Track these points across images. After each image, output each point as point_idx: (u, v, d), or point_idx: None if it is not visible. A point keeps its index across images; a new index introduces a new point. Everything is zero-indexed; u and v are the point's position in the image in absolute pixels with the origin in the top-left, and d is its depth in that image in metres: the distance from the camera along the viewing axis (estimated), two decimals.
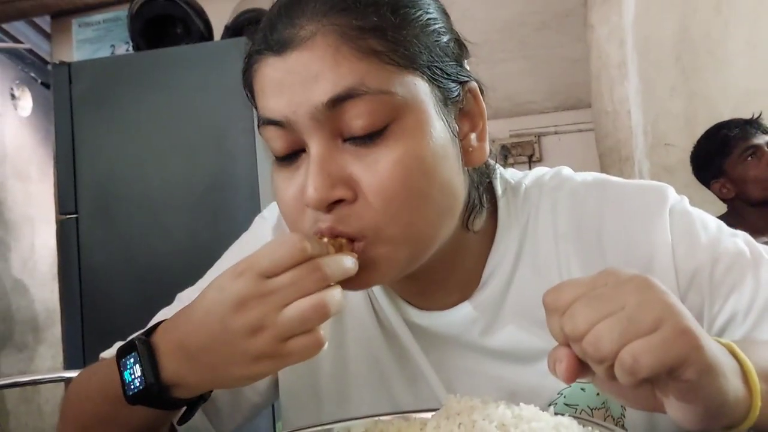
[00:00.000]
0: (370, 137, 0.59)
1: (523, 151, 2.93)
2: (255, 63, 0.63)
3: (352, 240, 0.60)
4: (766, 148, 2.04)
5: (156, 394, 0.59)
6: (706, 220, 0.70)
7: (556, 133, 2.96)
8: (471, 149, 0.66)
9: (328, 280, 0.54)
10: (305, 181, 0.59)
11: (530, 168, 0.83)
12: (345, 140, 0.60)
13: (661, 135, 2.43)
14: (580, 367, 0.50)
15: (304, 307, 0.53)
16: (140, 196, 2.47)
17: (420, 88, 0.61)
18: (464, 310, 0.72)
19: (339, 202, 0.59)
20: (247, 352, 0.55)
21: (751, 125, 2.08)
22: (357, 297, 0.77)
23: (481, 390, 0.70)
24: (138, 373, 0.59)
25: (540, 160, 2.94)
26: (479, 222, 0.71)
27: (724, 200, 2.12)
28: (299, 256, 0.54)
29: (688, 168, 2.21)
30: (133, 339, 0.62)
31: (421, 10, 0.62)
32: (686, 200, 0.72)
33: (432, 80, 0.62)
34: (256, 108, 0.66)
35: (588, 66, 2.61)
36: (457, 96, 0.65)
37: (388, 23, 0.59)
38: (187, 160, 2.45)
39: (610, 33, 2.48)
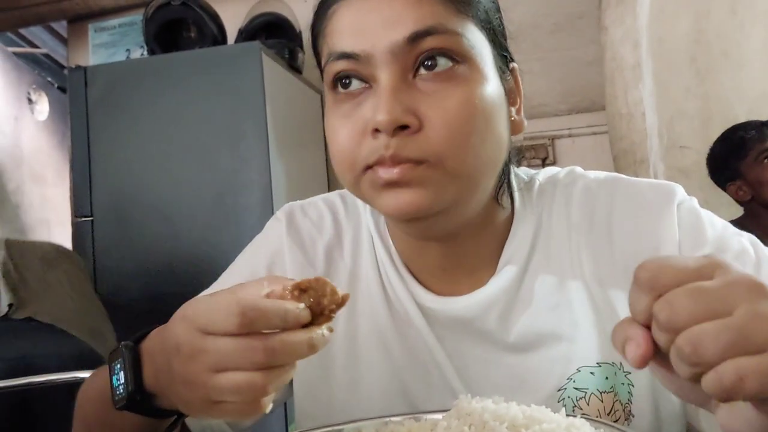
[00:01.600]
0: (440, 75, 0.63)
1: (537, 154, 2.92)
2: (333, 4, 0.67)
3: (417, 162, 0.62)
4: None
5: (138, 401, 0.59)
6: (713, 219, 0.72)
7: (570, 135, 2.95)
8: (513, 119, 0.72)
9: (268, 362, 0.49)
10: (370, 110, 0.63)
11: None
12: (414, 77, 0.64)
13: (676, 137, 2.42)
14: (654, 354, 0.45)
15: (237, 381, 0.49)
16: (154, 199, 2.49)
17: (484, 44, 0.67)
18: (481, 295, 0.73)
19: (404, 129, 0.62)
20: (183, 397, 0.53)
21: (767, 127, 2.07)
22: (370, 283, 0.79)
23: (494, 377, 0.72)
24: (122, 379, 0.59)
25: (554, 163, 2.93)
26: (506, 200, 0.75)
27: (740, 203, 2.10)
28: (234, 324, 0.48)
29: (704, 170, 2.19)
30: (120, 344, 0.61)
31: None
32: (695, 200, 0.74)
33: (492, 43, 0.69)
34: (319, 57, 0.72)
35: (602, 68, 2.60)
36: (506, 67, 0.72)
37: None
38: (200, 163, 2.46)
39: (625, 35, 2.47)
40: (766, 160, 2.02)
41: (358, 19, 0.65)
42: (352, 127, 0.65)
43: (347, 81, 0.66)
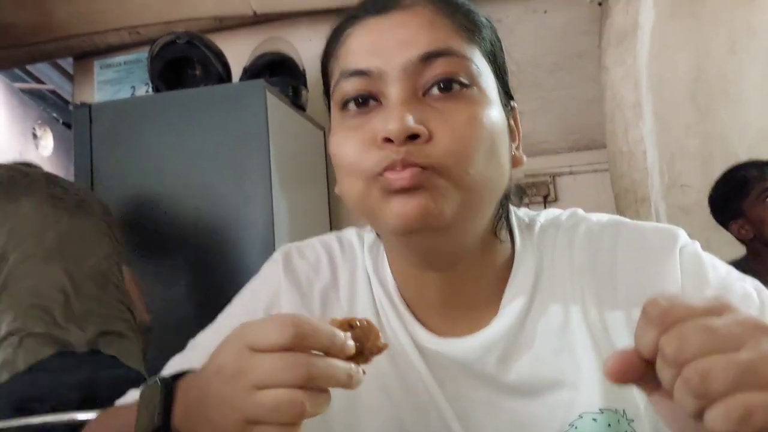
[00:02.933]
0: (449, 95, 0.66)
1: (539, 191, 2.92)
2: (348, 28, 0.70)
3: (422, 167, 0.63)
4: None
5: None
6: (715, 263, 0.72)
7: (571, 173, 2.96)
8: (513, 153, 0.74)
9: (309, 381, 0.50)
10: (381, 122, 0.64)
11: (546, 208, 0.85)
12: (424, 95, 0.66)
13: (676, 175, 2.42)
14: (638, 372, 0.45)
15: (279, 398, 0.49)
16: (156, 235, 2.49)
17: (489, 74, 0.70)
18: (482, 337, 0.73)
19: (413, 139, 0.63)
20: (216, 424, 0.53)
21: None
22: None
23: (494, 422, 0.71)
24: (150, 410, 0.59)
25: (556, 200, 2.93)
26: (504, 235, 0.76)
27: (742, 241, 2.10)
28: (289, 335, 0.50)
29: (705, 208, 2.19)
30: (158, 377, 0.62)
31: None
32: (697, 244, 0.74)
33: (496, 76, 0.71)
34: (328, 81, 0.74)
35: (602, 106, 2.62)
36: (508, 104, 0.74)
37: (473, 14, 0.71)
38: (203, 199, 2.47)
39: (625, 74, 2.50)
40: (767, 200, 2.02)
41: (372, 40, 0.68)
42: (360, 139, 0.66)
43: (359, 100, 0.68)
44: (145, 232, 2.50)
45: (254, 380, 0.50)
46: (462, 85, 0.66)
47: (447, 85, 0.66)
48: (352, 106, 0.68)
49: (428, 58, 0.65)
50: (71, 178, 2.59)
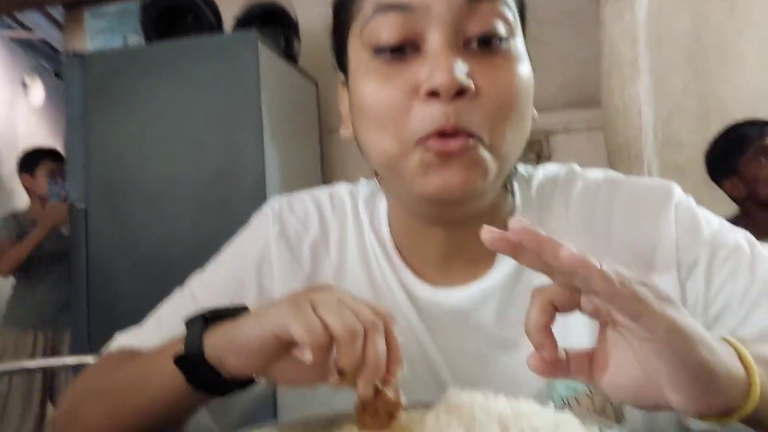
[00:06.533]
0: (490, 49, 0.61)
1: (531, 149, 2.91)
2: None
3: (469, 135, 0.60)
4: None
5: (194, 357, 0.61)
6: (709, 217, 0.73)
7: (565, 130, 2.95)
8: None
9: (357, 338, 0.53)
10: (425, 71, 0.59)
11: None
12: (465, 46, 0.61)
13: (672, 133, 2.42)
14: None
15: (328, 317, 0.53)
16: (148, 186, 2.49)
17: (518, 23, 0.66)
18: (479, 287, 0.73)
19: (461, 94, 0.59)
20: (251, 332, 0.56)
21: None
22: (356, 278, 0.78)
23: (484, 374, 0.72)
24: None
25: (549, 158, 2.92)
26: (511, 189, 0.75)
27: (735, 200, 2.11)
28: (371, 313, 0.55)
29: (699, 167, 2.20)
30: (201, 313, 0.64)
31: None
32: (692, 199, 0.74)
33: (522, 26, 0.68)
34: (342, 22, 0.68)
35: (599, 63, 2.59)
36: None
37: None
38: (195, 151, 2.46)
39: (623, 31, 2.47)
40: (763, 159, 2.03)
41: None
42: (397, 92, 0.61)
43: (392, 45, 0.62)
44: (137, 183, 2.49)
45: (314, 298, 0.54)
46: (502, 39, 0.62)
47: (489, 38, 0.61)
48: (382, 50, 0.62)
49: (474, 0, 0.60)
50: (63, 129, 2.56)
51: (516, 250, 0.47)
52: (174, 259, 2.35)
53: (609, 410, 0.70)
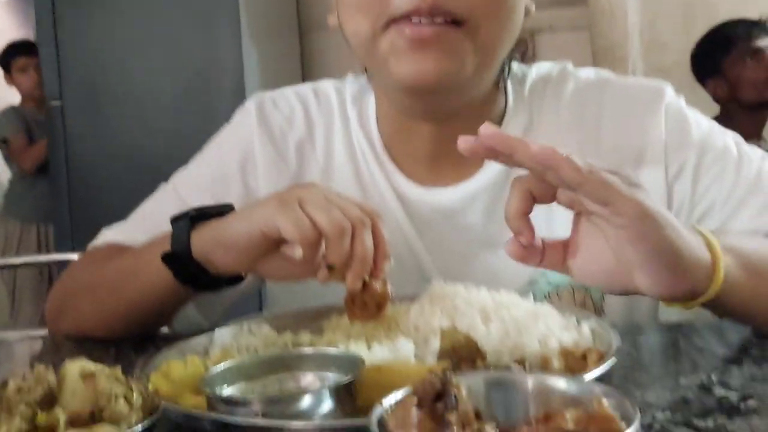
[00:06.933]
0: None
1: (517, 48, 2.86)
2: None
3: (454, 22, 0.59)
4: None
5: (181, 255, 0.62)
6: (699, 119, 0.73)
7: (550, 28, 2.89)
8: (526, 3, 0.70)
9: (345, 232, 0.55)
10: None
11: None
12: None
13: (657, 35, 2.38)
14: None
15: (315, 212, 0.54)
16: (125, 83, 2.45)
17: None
18: (467, 188, 0.74)
19: None
20: (237, 230, 0.58)
21: (757, 27, 2.05)
22: (344, 177, 0.77)
23: (470, 271, 0.72)
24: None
25: (534, 57, 2.88)
26: (503, 87, 0.75)
27: (717, 101, 2.11)
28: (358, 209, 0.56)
29: (683, 70, 2.18)
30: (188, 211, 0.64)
31: None
32: (683, 99, 0.75)
33: None
34: None
35: None
36: None
37: None
38: (171, 47, 2.41)
39: None
40: (749, 59, 2.01)
41: None
42: None
43: None
44: (114, 80, 2.44)
45: (301, 196, 0.55)
46: None
47: None
48: None
49: None
50: (33, 21, 2.48)
51: (493, 153, 0.47)
52: (152, 158, 2.32)
53: (589, 304, 0.72)
